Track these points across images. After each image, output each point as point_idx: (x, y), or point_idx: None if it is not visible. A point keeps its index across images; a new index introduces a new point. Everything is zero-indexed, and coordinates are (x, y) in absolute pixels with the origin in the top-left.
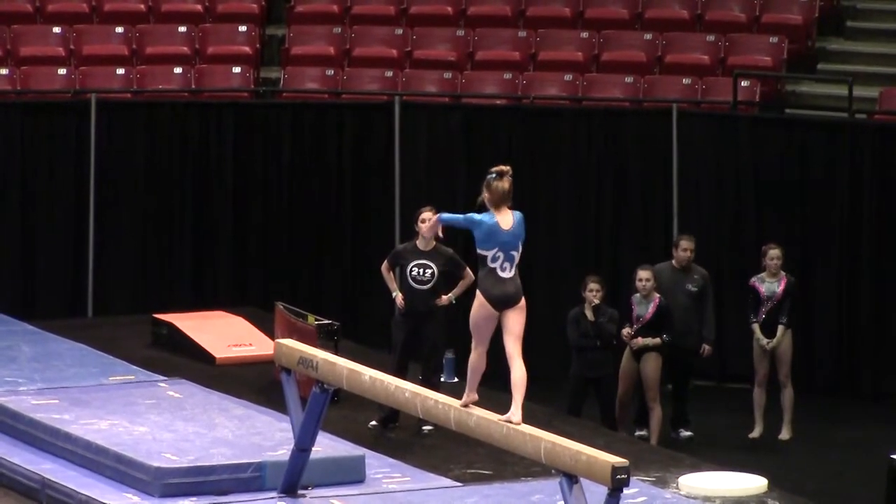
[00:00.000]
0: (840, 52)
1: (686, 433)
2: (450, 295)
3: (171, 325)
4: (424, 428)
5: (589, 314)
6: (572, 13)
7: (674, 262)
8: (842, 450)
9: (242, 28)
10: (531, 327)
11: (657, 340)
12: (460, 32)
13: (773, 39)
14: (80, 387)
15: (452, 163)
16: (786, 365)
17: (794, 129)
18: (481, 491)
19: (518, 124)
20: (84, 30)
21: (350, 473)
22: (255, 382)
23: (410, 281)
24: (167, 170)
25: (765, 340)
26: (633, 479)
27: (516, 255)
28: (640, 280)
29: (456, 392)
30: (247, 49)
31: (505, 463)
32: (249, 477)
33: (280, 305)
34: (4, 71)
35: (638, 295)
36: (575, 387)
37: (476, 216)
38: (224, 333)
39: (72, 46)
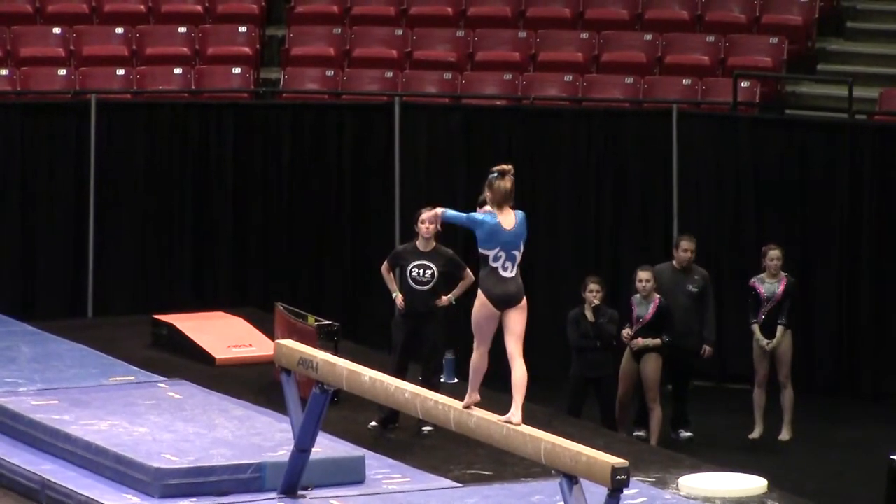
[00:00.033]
0: (840, 53)
1: (686, 434)
2: (450, 296)
3: (171, 326)
4: (424, 429)
5: (589, 315)
6: (572, 14)
7: (674, 262)
8: (842, 450)
9: (242, 29)
10: (531, 327)
11: (657, 341)
12: (460, 33)
13: (773, 40)
14: (80, 387)
15: (452, 163)
16: (786, 365)
17: (794, 129)
18: (481, 492)
19: (518, 125)
20: (84, 30)
21: (350, 474)
22: (255, 383)
23: (410, 282)
24: (167, 170)
25: (764, 341)
26: (632, 479)
27: (518, 254)
28: (640, 281)
29: (456, 393)
30: (247, 50)
31: (505, 464)
32: (249, 478)
33: (280, 306)
34: (4, 71)
35: (638, 296)
36: (575, 387)
37: (478, 216)
38: (224, 334)
39: (72, 47)
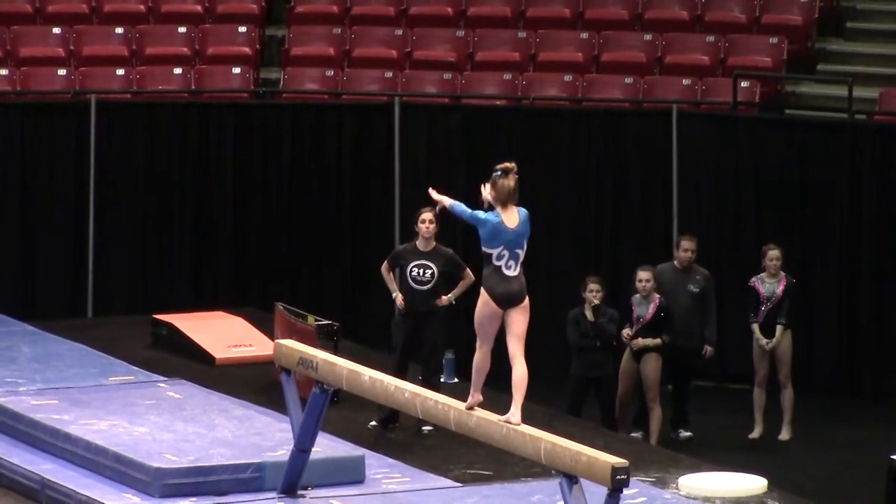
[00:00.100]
0: (840, 53)
1: (686, 433)
2: (450, 295)
3: (170, 326)
4: (424, 428)
5: (589, 314)
6: (572, 14)
7: (675, 262)
8: (842, 449)
9: (242, 29)
10: (531, 327)
11: (657, 341)
12: (460, 33)
13: (773, 40)
14: (80, 387)
15: (452, 163)
16: (786, 365)
17: (794, 129)
18: (481, 491)
19: (518, 125)
20: (84, 30)
21: (350, 474)
22: (254, 383)
23: (410, 281)
24: (167, 170)
25: (764, 341)
26: (632, 479)
27: (521, 253)
28: (640, 281)
29: (456, 392)
30: (247, 50)
31: (505, 463)
32: (249, 477)
33: (280, 306)
34: (4, 71)
35: (638, 295)
36: (575, 387)
37: (481, 214)
38: (224, 334)
39: (72, 47)
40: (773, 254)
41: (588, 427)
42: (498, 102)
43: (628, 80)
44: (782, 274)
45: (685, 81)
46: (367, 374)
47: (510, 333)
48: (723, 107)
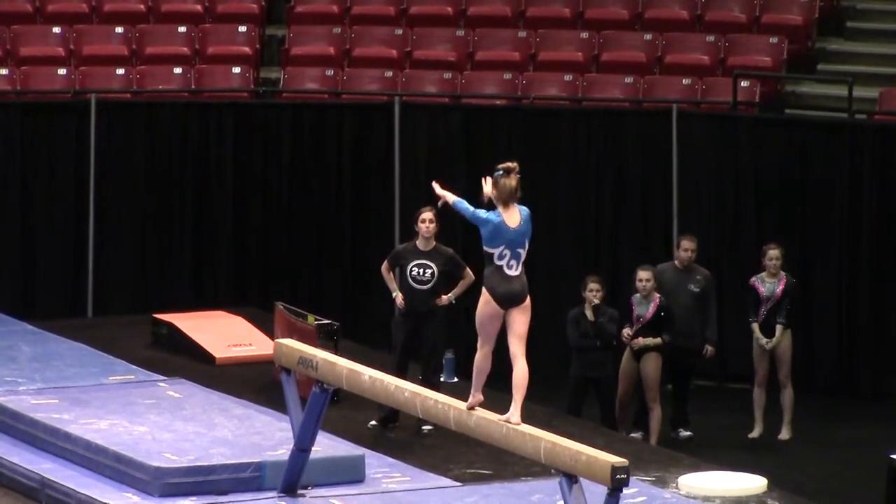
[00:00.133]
0: (840, 53)
1: (686, 433)
2: (450, 295)
3: (171, 325)
4: (424, 428)
5: (589, 314)
6: (572, 13)
7: (676, 262)
8: (842, 449)
9: (242, 28)
10: (531, 327)
11: (657, 340)
12: (460, 32)
13: (773, 40)
14: (80, 386)
15: (452, 163)
16: (785, 365)
17: (794, 129)
18: (481, 491)
19: (518, 124)
20: (84, 30)
21: (350, 473)
22: (255, 382)
23: (410, 281)
24: (167, 170)
25: (764, 340)
26: (632, 478)
27: (523, 252)
28: (641, 280)
29: (456, 392)
30: (247, 49)
31: (505, 463)
32: (249, 477)
33: (280, 305)
34: (4, 71)
35: (638, 295)
36: (575, 387)
37: (483, 214)
38: (224, 333)
39: (72, 46)
40: (774, 253)
41: (588, 427)
42: (498, 102)
43: (628, 79)
44: (782, 273)
45: (685, 81)
46: (367, 373)
47: (511, 333)
48: (723, 106)
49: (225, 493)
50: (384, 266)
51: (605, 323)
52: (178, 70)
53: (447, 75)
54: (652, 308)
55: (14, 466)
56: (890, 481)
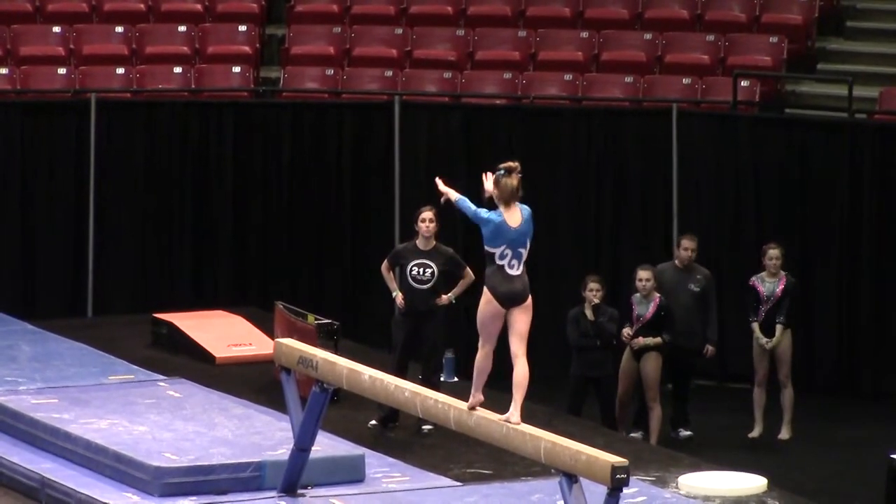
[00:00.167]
0: (840, 52)
1: (686, 433)
2: (450, 294)
3: (171, 325)
4: (424, 427)
5: (589, 314)
6: (572, 13)
7: (676, 261)
8: (842, 449)
9: (242, 28)
10: (531, 326)
11: (658, 340)
12: (460, 32)
13: (773, 39)
14: (80, 386)
15: (452, 163)
16: (785, 365)
17: (794, 129)
18: (481, 490)
19: (518, 124)
20: (84, 29)
21: (350, 473)
22: (255, 382)
23: (410, 280)
24: (167, 170)
25: (764, 340)
26: (632, 478)
27: (524, 251)
28: (641, 280)
29: (456, 391)
30: (247, 49)
31: (505, 462)
32: (249, 476)
33: (280, 305)
34: (4, 71)
35: (638, 295)
36: (575, 386)
37: (484, 213)
38: (224, 333)
39: (72, 46)
40: (774, 253)
41: (588, 426)
42: (498, 101)
43: (628, 79)
44: (782, 273)
45: (685, 81)
46: (367, 373)
47: (512, 333)
48: (723, 106)
49: (225, 492)
50: (384, 266)
51: (605, 322)
52: (178, 69)
53: (447, 75)
54: (652, 308)
55: (14, 466)
56: (890, 481)
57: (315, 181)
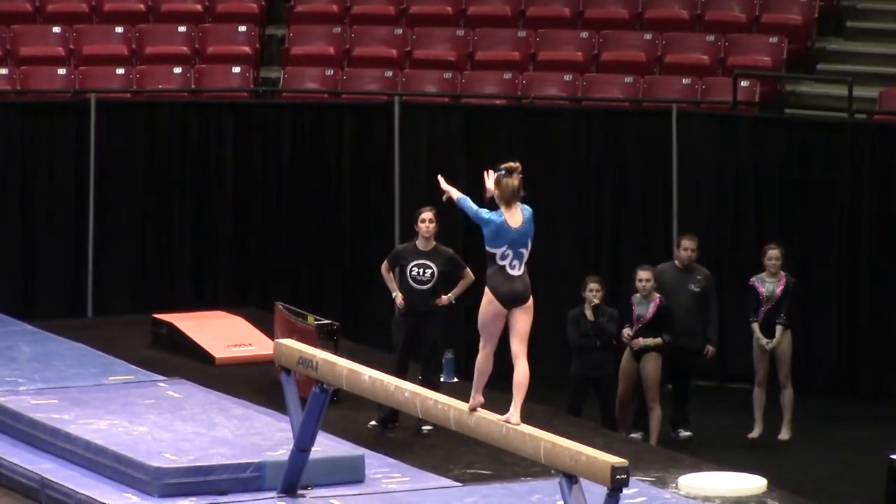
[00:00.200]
0: (840, 52)
1: (686, 433)
2: (449, 295)
3: (170, 325)
4: (424, 428)
5: (589, 314)
6: (572, 13)
7: (676, 261)
8: (842, 449)
9: (242, 28)
10: (532, 326)
11: (658, 340)
12: (460, 32)
13: (773, 39)
14: (80, 387)
15: (452, 163)
16: (785, 365)
17: (794, 129)
18: (481, 491)
19: (518, 124)
20: (84, 30)
21: (350, 473)
22: (254, 382)
23: (410, 281)
24: (167, 170)
25: (764, 340)
26: (632, 479)
27: (525, 252)
28: (640, 280)
29: (456, 392)
30: (247, 49)
31: (504, 463)
32: (249, 477)
33: (280, 305)
34: (4, 71)
35: (638, 295)
36: (575, 387)
37: (485, 214)
38: (224, 333)
39: (72, 46)
40: (774, 253)
41: (588, 427)
42: (498, 102)
43: (628, 79)
44: (782, 273)
45: (685, 81)
46: (367, 373)
47: (513, 333)
48: (723, 106)
49: (225, 493)
50: (384, 266)
51: (605, 323)
52: (177, 70)
53: (447, 75)
54: (652, 308)
55: (14, 466)
56: (890, 481)
57: (315, 181)
